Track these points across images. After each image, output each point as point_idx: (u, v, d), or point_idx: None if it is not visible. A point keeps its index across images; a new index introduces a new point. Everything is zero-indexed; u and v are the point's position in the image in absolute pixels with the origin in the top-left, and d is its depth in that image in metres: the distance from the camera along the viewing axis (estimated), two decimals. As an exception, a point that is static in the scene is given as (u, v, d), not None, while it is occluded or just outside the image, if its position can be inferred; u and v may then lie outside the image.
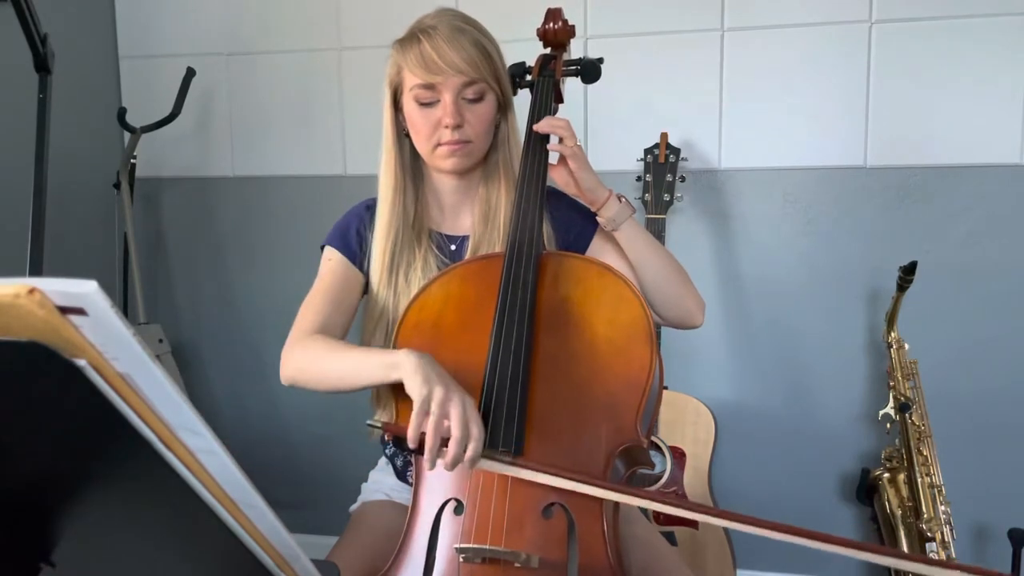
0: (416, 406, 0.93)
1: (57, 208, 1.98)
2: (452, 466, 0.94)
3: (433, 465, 0.94)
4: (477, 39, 1.17)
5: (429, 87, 1.16)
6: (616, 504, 1.04)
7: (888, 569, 1.90)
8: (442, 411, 0.92)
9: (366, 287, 1.28)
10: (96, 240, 2.38)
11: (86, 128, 2.33)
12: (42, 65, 1.73)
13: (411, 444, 0.94)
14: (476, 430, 0.94)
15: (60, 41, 1.79)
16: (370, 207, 1.29)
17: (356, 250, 1.27)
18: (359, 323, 1.28)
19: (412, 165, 1.27)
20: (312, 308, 1.21)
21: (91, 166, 2.34)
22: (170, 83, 2.25)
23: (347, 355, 1.09)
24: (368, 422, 1.03)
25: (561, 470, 0.95)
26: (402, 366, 0.98)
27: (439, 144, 1.19)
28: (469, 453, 0.93)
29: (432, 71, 1.14)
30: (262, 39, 2.32)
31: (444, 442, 0.93)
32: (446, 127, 1.16)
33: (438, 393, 0.93)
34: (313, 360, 1.12)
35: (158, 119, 2.23)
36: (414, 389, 0.94)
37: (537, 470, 0.95)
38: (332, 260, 1.27)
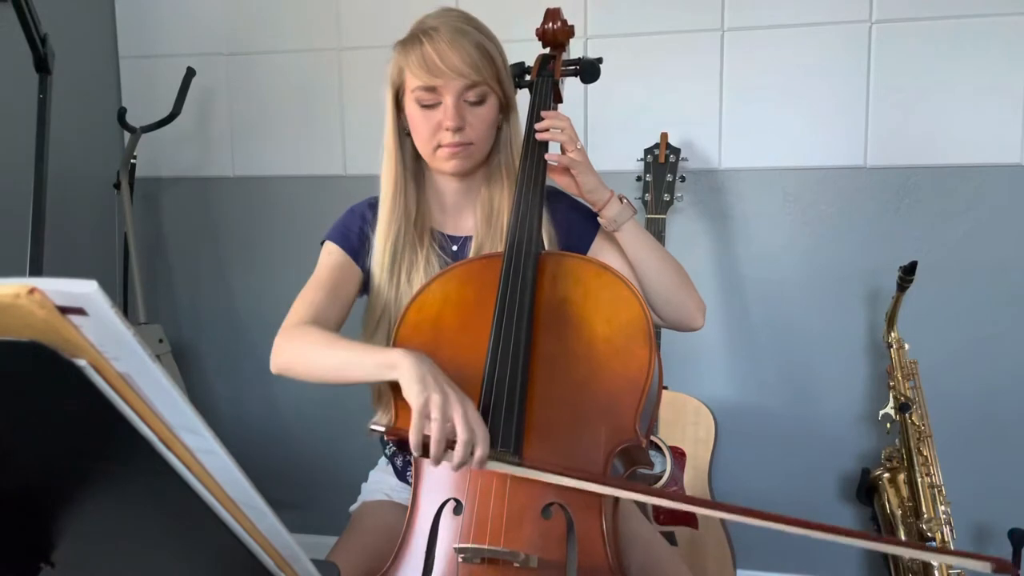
0: (416, 411, 0.92)
1: (57, 208, 1.98)
2: (458, 468, 0.94)
3: (438, 463, 0.94)
4: (479, 41, 1.16)
5: (430, 89, 1.16)
6: (615, 504, 1.04)
7: (888, 570, 1.90)
8: (444, 416, 0.92)
9: (366, 285, 1.28)
10: (96, 240, 2.38)
11: (86, 128, 2.33)
12: (42, 65, 1.73)
13: (414, 451, 0.93)
14: (481, 431, 0.94)
15: (60, 41, 1.79)
16: (373, 205, 1.29)
17: (357, 247, 1.26)
18: (357, 320, 1.28)
19: (414, 165, 1.26)
20: (307, 299, 1.20)
21: (91, 166, 2.34)
22: (170, 83, 2.25)
23: (341, 348, 1.08)
24: (371, 426, 1.02)
25: (567, 469, 0.95)
26: (399, 367, 0.97)
27: (440, 146, 1.19)
28: (477, 455, 0.93)
29: (434, 73, 1.14)
30: (262, 39, 2.32)
31: (450, 443, 0.93)
32: (447, 129, 1.16)
33: (436, 398, 0.92)
34: (306, 350, 1.11)
35: (158, 119, 2.23)
36: (412, 393, 0.93)
37: (543, 469, 0.94)
38: (332, 254, 1.26)
